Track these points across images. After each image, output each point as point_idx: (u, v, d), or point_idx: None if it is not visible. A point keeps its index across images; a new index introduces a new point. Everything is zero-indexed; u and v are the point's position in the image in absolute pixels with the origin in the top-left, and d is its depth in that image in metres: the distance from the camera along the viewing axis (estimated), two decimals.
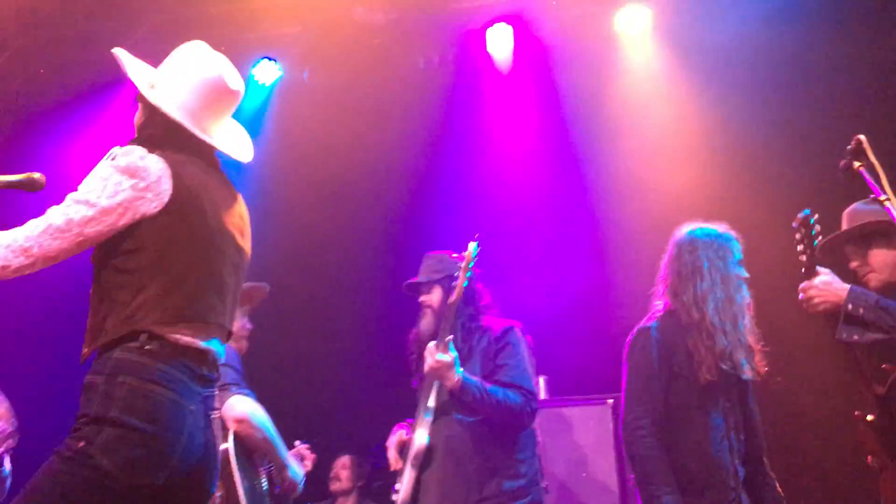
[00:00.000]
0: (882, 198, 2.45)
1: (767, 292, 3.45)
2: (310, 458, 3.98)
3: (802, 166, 4.63)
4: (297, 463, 3.70)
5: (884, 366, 3.02)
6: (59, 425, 2.36)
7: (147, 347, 2.16)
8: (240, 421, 3.37)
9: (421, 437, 3.57)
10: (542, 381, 5.01)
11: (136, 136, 2.41)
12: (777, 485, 3.32)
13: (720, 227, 3.34)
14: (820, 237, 2.91)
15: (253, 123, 5.65)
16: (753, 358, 3.22)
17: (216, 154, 2.49)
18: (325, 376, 5.96)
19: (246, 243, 2.50)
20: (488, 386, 3.51)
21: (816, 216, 2.93)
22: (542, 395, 4.99)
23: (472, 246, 3.66)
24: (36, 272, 2.18)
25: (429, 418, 3.60)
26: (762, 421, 3.37)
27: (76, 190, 2.21)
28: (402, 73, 5.77)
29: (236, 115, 2.60)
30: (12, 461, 3.75)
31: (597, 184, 5.62)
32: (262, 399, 3.61)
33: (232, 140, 2.55)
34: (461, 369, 3.50)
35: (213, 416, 2.33)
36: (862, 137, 2.55)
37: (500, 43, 5.69)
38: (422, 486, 3.58)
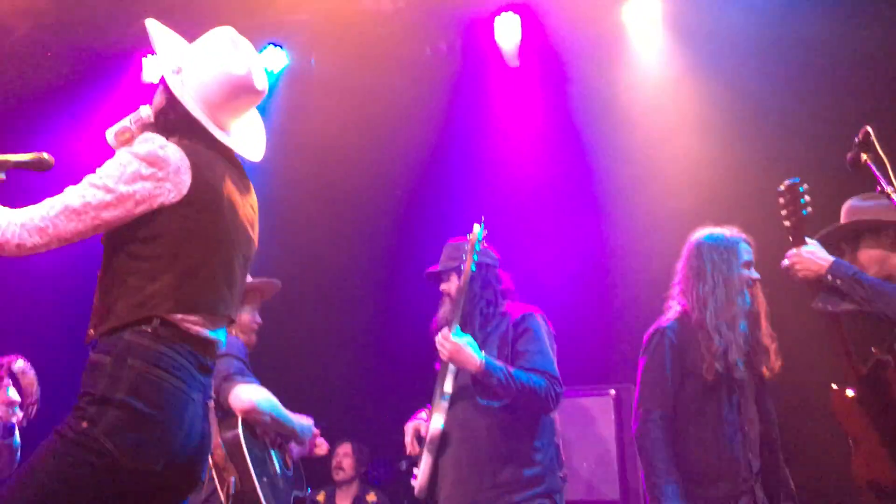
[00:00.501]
0: (889, 189, 2.44)
1: (778, 287, 3.46)
2: (325, 446, 4.00)
3: (814, 155, 4.60)
4: (305, 419, 3.72)
5: (873, 348, 3.07)
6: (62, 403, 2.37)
7: (159, 333, 2.17)
8: (247, 410, 3.40)
9: (436, 422, 3.53)
10: None
11: (154, 119, 2.40)
12: (790, 478, 3.40)
13: (730, 231, 3.48)
14: (809, 207, 2.97)
15: (259, 110, 5.64)
16: (767, 358, 3.36)
17: None
18: (326, 363, 5.96)
19: (255, 234, 2.51)
20: (512, 369, 3.47)
21: (806, 186, 3.00)
22: None
23: (477, 228, 3.64)
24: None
25: (445, 403, 3.55)
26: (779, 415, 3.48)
27: (93, 172, 2.21)
28: (410, 61, 5.76)
29: None
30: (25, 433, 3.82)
31: (604, 174, 5.60)
32: (265, 386, 3.62)
33: (247, 136, 2.55)
34: (483, 353, 3.46)
35: (209, 404, 2.35)
36: (869, 129, 2.54)
37: (507, 32, 5.67)
38: (439, 471, 3.55)
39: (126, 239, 2.23)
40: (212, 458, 3.30)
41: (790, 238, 3.01)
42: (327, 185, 5.87)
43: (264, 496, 3.32)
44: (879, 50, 4.79)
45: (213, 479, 3.30)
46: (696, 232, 3.53)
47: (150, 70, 5.79)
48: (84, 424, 2.08)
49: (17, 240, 2.10)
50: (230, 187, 2.37)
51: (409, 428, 3.73)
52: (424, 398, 3.70)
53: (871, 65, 4.84)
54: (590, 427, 4.64)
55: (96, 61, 5.82)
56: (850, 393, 3.04)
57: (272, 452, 3.58)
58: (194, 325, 2.24)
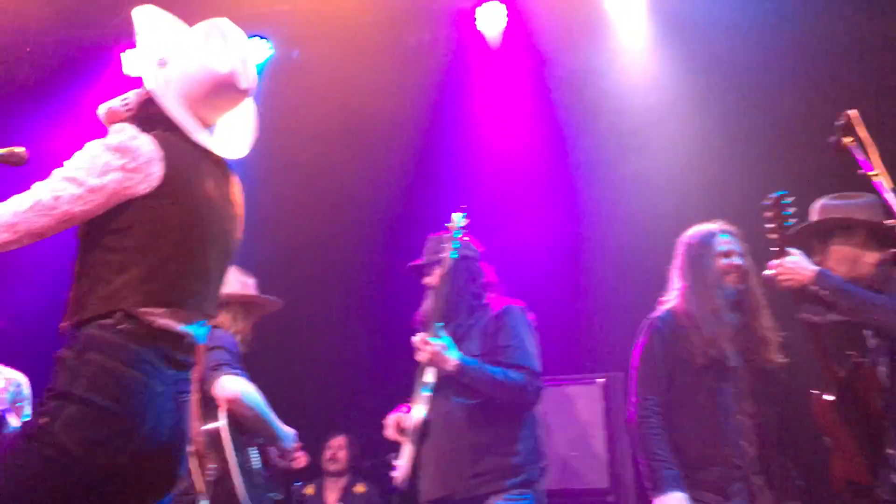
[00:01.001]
0: (872, 173, 2.44)
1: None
2: (302, 459, 4.00)
3: (799, 144, 4.61)
4: (289, 430, 3.70)
5: (850, 352, 3.11)
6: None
7: (120, 327, 2.14)
8: (231, 401, 3.38)
9: (418, 412, 3.57)
10: None
11: (136, 110, 2.36)
12: (793, 473, 3.45)
13: (710, 225, 3.55)
14: (793, 219, 3.01)
15: None
16: (766, 350, 3.40)
17: None
18: (319, 356, 5.94)
19: (237, 228, 2.47)
20: (488, 367, 3.51)
21: (792, 198, 3.04)
22: None
23: (457, 217, 3.65)
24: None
25: (427, 394, 3.59)
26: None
27: (63, 166, 2.18)
28: (393, 51, 5.73)
29: None
30: None
31: (589, 164, 5.60)
32: (256, 379, 3.60)
33: (232, 131, 2.49)
34: (459, 352, 3.51)
35: (185, 400, 2.31)
36: (852, 112, 2.54)
37: (490, 21, 5.66)
38: (421, 461, 3.59)
39: (97, 230, 2.20)
40: (192, 445, 3.27)
41: (776, 250, 3.03)
42: (311, 177, 5.84)
43: (241, 485, 3.31)
44: (863, 37, 4.80)
45: (190, 471, 3.27)
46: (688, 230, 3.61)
47: (131, 63, 5.74)
48: (43, 420, 2.06)
49: None
50: (207, 180, 2.33)
51: (391, 420, 3.76)
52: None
53: (856, 51, 4.84)
54: (578, 416, 4.64)
55: (76, 55, 5.76)
56: (828, 397, 3.07)
57: (252, 449, 3.56)
58: (160, 318, 2.20)
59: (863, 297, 2.91)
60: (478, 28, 5.69)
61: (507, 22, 5.64)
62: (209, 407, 3.40)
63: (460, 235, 3.65)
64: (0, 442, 3.65)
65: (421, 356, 3.54)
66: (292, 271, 5.70)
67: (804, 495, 3.41)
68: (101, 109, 2.39)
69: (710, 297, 3.40)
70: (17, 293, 5.34)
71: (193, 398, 3.32)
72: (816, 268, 2.99)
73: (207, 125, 2.41)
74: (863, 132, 2.51)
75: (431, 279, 3.72)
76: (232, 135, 2.51)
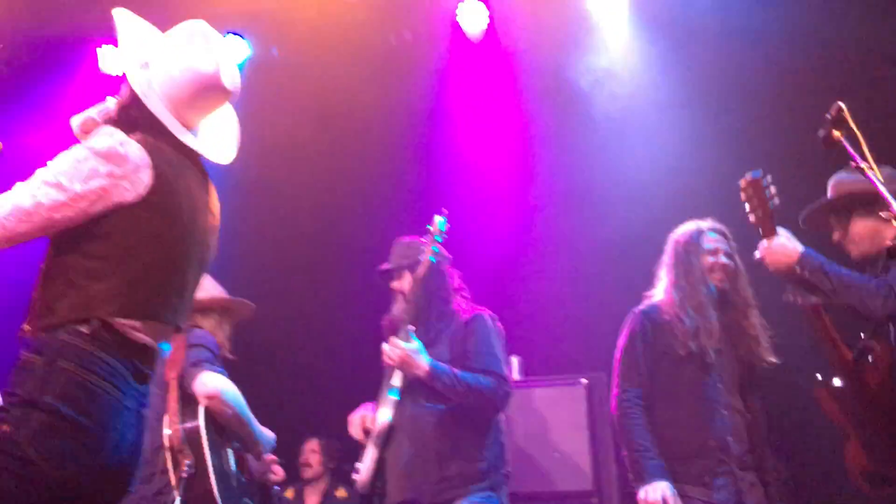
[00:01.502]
0: (863, 165, 2.41)
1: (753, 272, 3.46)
2: (281, 473, 3.95)
3: (785, 139, 4.61)
4: (269, 433, 3.66)
5: (862, 334, 3.02)
6: None
7: (96, 335, 2.06)
8: (211, 397, 3.32)
9: (384, 416, 3.56)
10: (515, 361, 4.98)
11: (117, 115, 2.30)
12: (782, 473, 3.45)
13: (699, 223, 3.57)
14: (776, 198, 2.94)
15: None
16: (757, 348, 3.42)
17: None
18: (291, 359, 5.87)
19: (214, 238, 2.42)
20: (458, 372, 3.52)
21: (769, 177, 2.97)
22: (516, 375, 4.96)
23: (439, 220, 3.64)
24: None
25: (393, 397, 3.58)
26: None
27: (46, 167, 2.10)
28: (374, 50, 5.68)
29: None
30: None
31: (571, 163, 5.58)
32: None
33: (216, 136, 2.44)
34: (429, 357, 3.51)
35: (144, 414, 2.24)
36: (841, 105, 2.51)
37: (472, 19, 5.63)
38: (385, 465, 3.59)
39: (75, 234, 2.12)
40: (168, 441, 3.24)
41: (760, 231, 2.97)
42: (290, 177, 5.77)
43: (216, 485, 3.24)
44: (847, 32, 4.81)
45: (165, 470, 3.21)
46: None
47: (108, 60, 5.66)
48: (6, 428, 1.97)
49: None
50: (191, 190, 2.27)
51: (355, 419, 3.74)
52: None
53: (839, 47, 4.84)
54: (562, 417, 4.61)
55: (51, 49, 5.66)
56: (836, 382, 3.00)
57: (229, 451, 3.50)
58: (135, 331, 2.13)
59: (841, 278, 2.85)
60: (459, 26, 5.66)
61: (489, 19, 5.61)
62: (188, 404, 3.34)
63: (441, 240, 3.64)
64: None
65: (391, 359, 3.53)
66: (266, 274, 5.64)
67: (794, 498, 3.41)
68: (75, 121, 2.32)
69: (694, 293, 3.42)
70: None
71: (172, 395, 3.28)
72: (802, 248, 2.93)
73: (191, 128, 2.34)
74: (853, 124, 2.48)
75: (400, 284, 3.72)
76: (217, 140, 2.45)
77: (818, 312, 2.97)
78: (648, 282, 3.67)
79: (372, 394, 3.80)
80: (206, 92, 2.32)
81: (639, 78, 5.52)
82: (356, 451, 3.70)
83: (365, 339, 3.95)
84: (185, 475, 3.18)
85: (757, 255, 3.03)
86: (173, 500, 3.16)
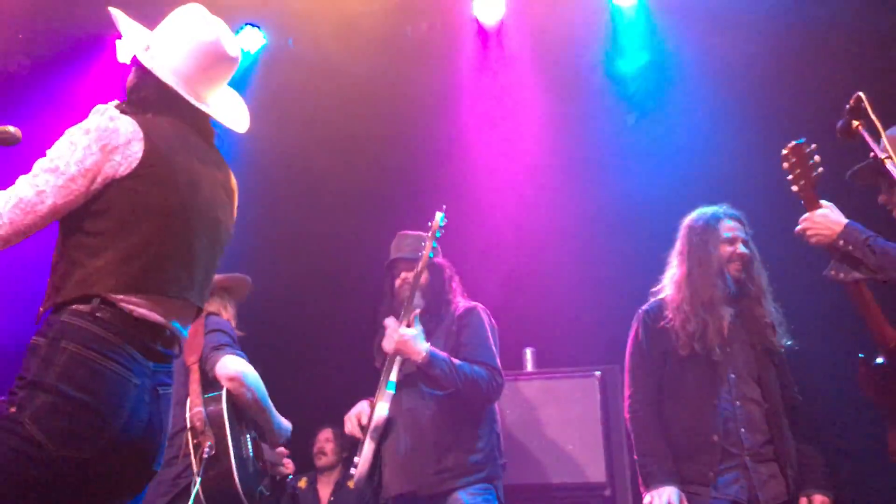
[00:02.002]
0: (883, 156, 2.38)
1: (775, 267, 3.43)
2: (291, 466, 3.96)
3: (807, 130, 4.57)
4: (286, 421, 3.65)
5: None
6: None
7: (97, 314, 2.07)
8: (232, 379, 3.33)
9: (381, 409, 3.62)
10: (529, 353, 4.99)
11: (126, 98, 2.32)
12: (818, 459, 3.32)
13: (715, 208, 3.46)
14: (820, 168, 2.77)
15: (237, 90, 5.53)
16: (772, 334, 3.33)
17: (212, 124, 2.41)
18: (306, 348, 5.88)
19: (229, 218, 2.41)
20: (456, 361, 3.58)
21: (814, 146, 2.80)
22: (530, 367, 4.96)
23: (439, 216, 3.69)
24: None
25: (391, 391, 3.64)
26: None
27: (44, 156, 2.12)
28: (389, 40, 5.67)
29: None
30: None
31: (588, 155, 5.56)
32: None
33: (228, 109, 2.47)
34: (427, 344, 3.55)
35: (164, 393, 2.24)
36: (861, 94, 2.47)
37: (488, 9, 5.60)
38: (382, 458, 3.65)
39: (77, 214, 2.14)
40: (191, 422, 3.26)
41: (802, 202, 2.81)
42: (306, 166, 5.78)
43: (236, 468, 3.26)
44: (865, 23, 4.76)
45: (187, 453, 3.22)
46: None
47: (123, 52, 5.68)
48: (12, 409, 1.99)
49: None
50: (193, 164, 2.27)
51: (351, 415, 3.79)
52: None
53: (860, 32, 4.79)
54: (575, 409, 4.60)
55: (71, 42, 5.70)
56: (879, 360, 2.86)
57: (248, 437, 3.52)
58: (138, 307, 2.13)
59: (886, 253, 2.65)
60: (475, 16, 5.64)
61: (506, 10, 5.59)
62: (209, 388, 3.37)
63: (440, 235, 3.69)
64: None
65: (389, 344, 3.56)
66: (282, 263, 5.66)
67: (832, 483, 3.28)
68: None
69: (708, 287, 3.33)
70: None
71: (194, 378, 3.30)
72: (845, 221, 2.75)
73: (202, 102, 2.36)
74: (872, 114, 2.44)
75: (409, 276, 3.75)
76: (229, 111, 2.49)
77: (860, 289, 2.83)
78: (661, 275, 3.62)
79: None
80: (212, 61, 2.35)
81: (658, 69, 5.48)
82: None
83: (374, 328, 3.96)
84: (205, 455, 3.20)
85: (798, 227, 2.84)
86: (191, 483, 3.18)
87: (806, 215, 2.81)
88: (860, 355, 2.95)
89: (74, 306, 2.08)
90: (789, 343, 3.37)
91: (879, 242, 2.70)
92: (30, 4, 5.48)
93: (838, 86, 3.67)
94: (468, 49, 5.76)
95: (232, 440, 3.31)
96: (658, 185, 5.05)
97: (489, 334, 3.74)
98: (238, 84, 5.97)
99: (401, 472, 3.58)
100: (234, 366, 3.34)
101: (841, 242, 2.72)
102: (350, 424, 3.78)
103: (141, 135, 2.16)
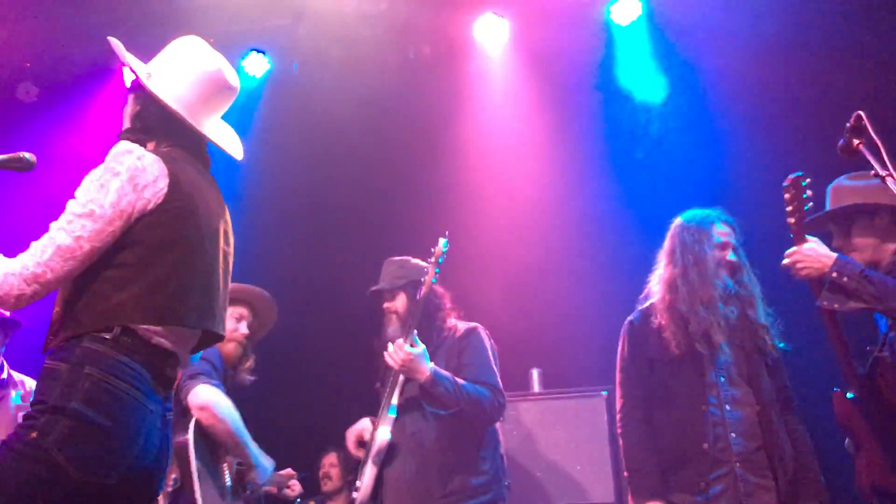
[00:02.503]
0: (883, 173, 2.40)
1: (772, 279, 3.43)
2: (297, 489, 3.92)
3: (804, 145, 4.59)
4: (268, 460, 3.58)
5: (868, 347, 3.01)
6: None
7: (118, 341, 2.09)
8: (202, 408, 3.27)
9: (383, 433, 3.62)
10: (535, 373, 4.98)
11: (129, 126, 2.36)
12: (812, 467, 3.24)
13: (708, 211, 3.43)
14: (811, 202, 2.88)
15: (243, 116, 5.59)
16: (766, 336, 3.28)
17: (207, 153, 2.45)
18: (311, 373, 5.87)
19: (230, 248, 2.45)
20: (459, 381, 3.58)
21: (809, 180, 2.91)
22: (536, 387, 4.96)
23: (442, 242, 3.72)
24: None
25: (392, 415, 3.64)
26: None
27: (74, 198, 2.14)
28: (392, 64, 5.72)
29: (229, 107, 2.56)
30: None
31: (592, 175, 5.57)
32: (245, 397, 3.54)
33: (225, 137, 2.52)
34: (431, 363, 3.56)
35: (170, 419, 2.27)
36: (861, 113, 2.50)
37: (490, 33, 5.65)
38: (383, 482, 3.64)
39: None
40: None
41: (792, 235, 2.91)
42: (310, 190, 5.81)
43: (202, 500, 3.19)
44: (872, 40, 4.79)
45: None
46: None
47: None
48: (33, 435, 2.00)
49: (17, 291, 2.05)
50: (206, 197, 2.32)
51: (352, 433, 3.79)
52: None
53: (861, 47, 4.82)
54: (582, 429, 4.60)
55: (74, 72, 5.77)
56: (850, 395, 2.94)
57: (231, 465, 3.47)
58: (158, 336, 2.16)
59: (886, 284, 2.75)
60: (477, 40, 5.68)
61: (507, 34, 5.63)
62: (181, 417, 3.31)
63: (442, 261, 3.72)
64: None
65: (393, 362, 3.56)
66: (287, 284, 5.65)
67: (826, 495, 3.21)
68: None
69: (706, 287, 3.27)
70: None
71: None
72: (834, 255, 2.86)
73: (202, 129, 2.40)
74: (872, 133, 2.46)
75: (393, 304, 3.80)
76: (226, 138, 2.53)
77: (833, 321, 2.91)
78: None
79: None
80: (213, 90, 2.39)
81: (660, 88, 5.51)
82: None
83: (374, 359, 3.97)
84: (169, 489, 3.15)
85: (787, 260, 2.93)
86: None
87: (793, 248, 2.91)
88: (835, 389, 3.00)
89: (96, 333, 2.09)
90: (781, 346, 3.33)
91: (874, 274, 2.80)
92: (38, 33, 5.56)
93: (836, 103, 3.69)
94: (470, 71, 5.79)
95: (202, 471, 3.23)
96: (664, 205, 5.05)
97: (490, 354, 3.75)
98: (243, 109, 6.05)
99: (406, 496, 3.56)
100: (205, 395, 3.28)
101: (834, 274, 2.81)
102: (351, 444, 3.77)
103: (166, 171, 2.20)
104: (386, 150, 5.76)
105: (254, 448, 3.44)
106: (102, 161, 2.20)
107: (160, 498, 3.08)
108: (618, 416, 3.43)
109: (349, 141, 5.70)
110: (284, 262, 5.76)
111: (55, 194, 2.21)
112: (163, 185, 2.18)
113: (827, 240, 3.06)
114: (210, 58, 2.41)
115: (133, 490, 2.15)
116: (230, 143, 2.53)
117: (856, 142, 2.49)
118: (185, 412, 3.31)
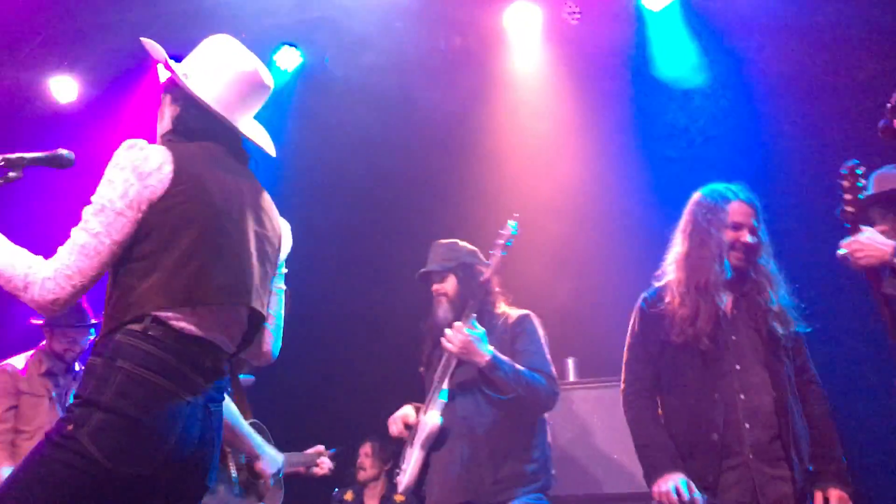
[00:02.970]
0: None
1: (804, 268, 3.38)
2: (326, 466, 3.92)
3: (840, 130, 4.52)
4: (275, 451, 3.48)
5: None
6: None
7: (149, 332, 2.13)
8: None
9: (433, 417, 3.56)
10: (571, 363, 4.96)
11: (171, 127, 2.39)
12: (835, 451, 3.08)
13: (727, 187, 3.25)
14: (866, 192, 2.83)
15: (276, 109, 5.64)
16: (783, 320, 3.11)
17: (244, 148, 2.48)
18: (347, 363, 5.92)
19: (270, 231, 2.46)
20: (518, 366, 3.51)
21: (864, 168, 2.85)
22: (572, 377, 4.94)
23: (512, 224, 3.65)
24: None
25: (443, 399, 3.58)
26: None
27: (90, 202, 2.20)
28: (423, 56, 5.72)
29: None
30: None
31: (626, 165, 5.52)
32: (282, 390, 3.54)
33: (259, 134, 2.55)
34: (491, 347, 3.48)
35: (215, 410, 2.28)
36: None
37: (520, 23, 5.62)
38: (430, 467, 3.58)
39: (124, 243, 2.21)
40: None
41: (848, 224, 2.85)
42: (344, 183, 5.84)
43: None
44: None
45: None
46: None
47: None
48: (70, 427, 2.05)
49: (52, 295, 2.10)
50: (225, 178, 2.32)
51: (397, 417, 3.74)
52: None
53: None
54: (619, 417, 4.55)
55: (108, 70, 5.85)
56: None
57: (237, 459, 3.41)
58: (188, 324, 2.18)
59: None
60: (508, 30, 5.66)
61: (538, 23, 5.61)
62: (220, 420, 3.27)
63: (510, 244, 3.65)
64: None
65: (451, 346, 3.48)
66: (322, 277, 5.70)
67: (849, 476, 3.05)
68: None
69: (704, 270, 3.12)
70: None
71: None
72: (893, 242, 2.79)
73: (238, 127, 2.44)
74: None
75: (443, 286, 3.73)
76: (261, 136, 2.56)
77: (893, 309, 2.83)
78: None
79: (420, 393, 3.82)
80: (249, 89, 2.43)
81: (694, 74, 5.45)
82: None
83: (421, 342, 3.97)
84: None
85: (842, 251, 2.86)
86: None
87: (850, 238, 2.84)
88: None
89: (128, 326, 2.14)
90: (800, 329, 3.15)
91: None
92: (69, 35, 5.64)
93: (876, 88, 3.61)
94: (502, 59, 5.77)
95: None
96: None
97: (543, 342, 3.67)
98: (276, 103, 6.09)
99: (456, 481, 3.48)
100: None
101: None
102: (396, 427, 3.72)
103: (170, 157, 2.23)
104: (419, 142, 5.77)
105: (257, 438, 3.37)
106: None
107: None
108: (624, 395, 3.27)
109: (381, 133, 5.72)
110: (317, 250, 5.79)
111: (93, 192, 2.24)
112: (168, 170, 2.20)
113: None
114: (246, 58, 2.44)
115: (175, 482, 2.17)
116: (264, 139, 2.57)
117: None
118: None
